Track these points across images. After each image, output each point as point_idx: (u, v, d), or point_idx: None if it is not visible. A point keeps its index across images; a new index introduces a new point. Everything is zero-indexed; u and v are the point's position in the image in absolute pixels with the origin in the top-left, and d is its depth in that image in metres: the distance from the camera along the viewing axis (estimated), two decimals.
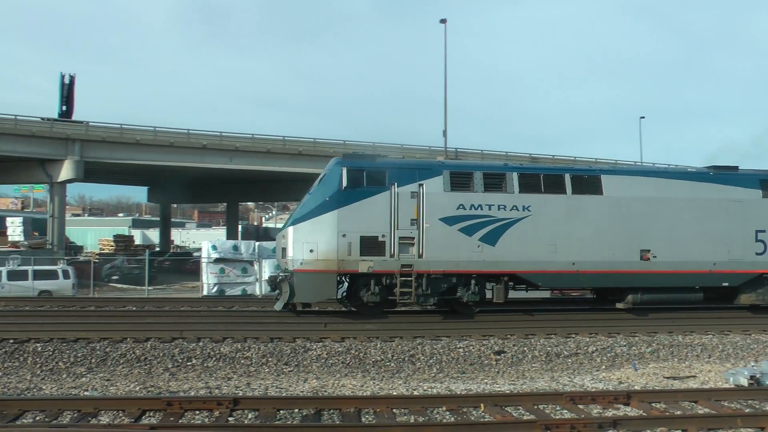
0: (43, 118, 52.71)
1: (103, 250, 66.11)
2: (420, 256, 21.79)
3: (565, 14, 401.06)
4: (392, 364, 18.04)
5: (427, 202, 21.93)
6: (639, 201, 23.48)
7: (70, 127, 51.95)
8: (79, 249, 71.20)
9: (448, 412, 12.38)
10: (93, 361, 17.45)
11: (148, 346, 18.18)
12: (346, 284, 22.59)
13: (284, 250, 22.13)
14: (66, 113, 55.83)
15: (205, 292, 35.17)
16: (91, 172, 53.81)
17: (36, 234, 62.25)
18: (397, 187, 21.88)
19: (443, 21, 52.82)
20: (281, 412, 12.32)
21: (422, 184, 22.06)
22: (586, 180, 23.45)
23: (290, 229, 22.01)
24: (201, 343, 18.48)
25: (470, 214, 22.23)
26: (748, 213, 24.18)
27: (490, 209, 22.34)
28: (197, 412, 12.28)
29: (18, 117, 50.42)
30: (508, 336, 20.47)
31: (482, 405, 12.63)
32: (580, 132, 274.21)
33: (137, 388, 15.07)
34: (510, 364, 18.55)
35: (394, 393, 14.59)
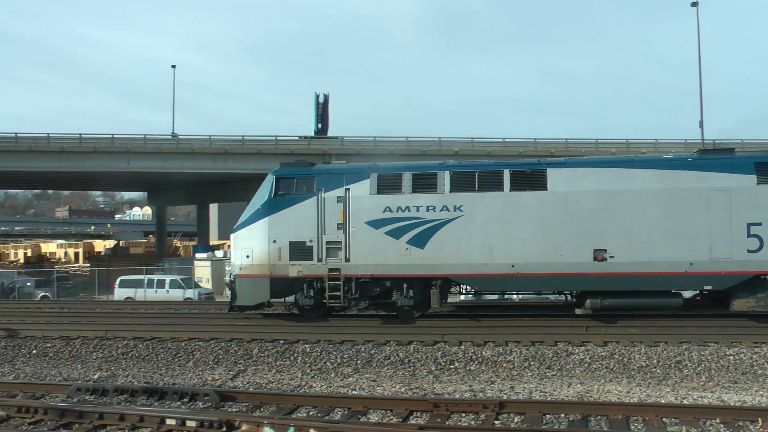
0: (300, 137, 55.63)
1: None
2: (347, 260, 21.40)
3: None
4: (658, 371, 16.90)
5: (353, 206, 21.51)
6: (592, 195, 20.57)
7: (326, 143, 54.45)
8: None
9: (722, 425, 11.45)
10: (359, 362, 17.84)
11: (411, 349, 18.31)
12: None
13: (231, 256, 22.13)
14: (321, 130, 58.61)
15: None
16: None
17: None
18: (324, 192, 21.74)
19: (694, 4, 50.00)
20: (547, 416, 12.00)
21: (348, 189, 21.69)
22: (528, 175, 21.10)
23: (232, 236, 22.78)
24: (462, 347, 18.34)
25: (397, 216, 21.24)
26: (738, 203, 19.84)
27: (417, 211, 21.15)
28: (463, 414, 12.21)
29: (278, 137, 53.61)
30: None
31: (760, 420, 11.40)
32: None
33: (402, 389, 15.21)
34: None
35: (663, 401, 13.71)
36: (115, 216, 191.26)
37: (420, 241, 21.03)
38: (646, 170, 20.54)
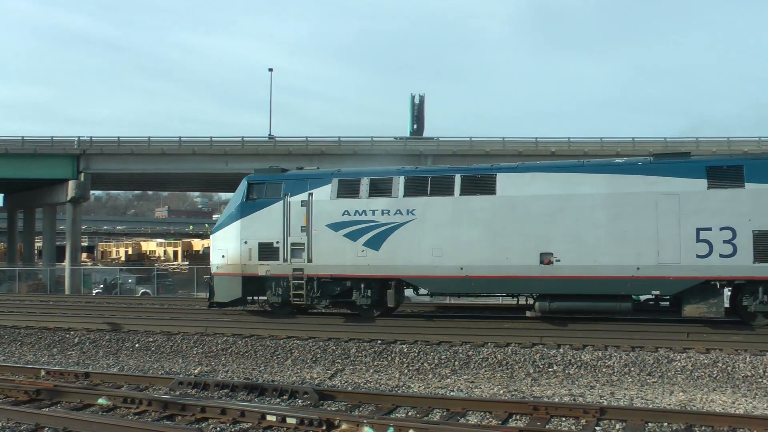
0: (396, 138, 55.75)
1: None
2: (309, 260, 22.44)
3: None
4: (765, 381, 16.18)
5: (316, 209, 22.51)
6: (539, 199, 20.45)
7: (421, 143, 54.44)
8: None
9: None
10: (456, 363, 17.73)
11: (509, 351, 18.09)
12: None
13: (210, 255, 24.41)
14: (417, 131, 58.66)
15: None
16: None
17: None
18: (290, 197, 22.87)
19: None
20: (650, 425, 11.66)
21: (312, 193, 22.72)
22: (478, 180, 21.29)
23: (211, 237, 24.33)
24: (561, 350, 18.01)
25: (354, 219, 22.05)
26: (687, 208, 19.34)
27: (373, 214, 21.87)
28: (563, 418, 12.05)
29: (374, 138, 53.87)
30: None
31: None
32: None
33: (501, 392, 15.09)
34: None
35: None
36: (213, 216, 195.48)
37: (375, 243, 21.77)
38: (595, 175, 20.44)
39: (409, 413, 12.57)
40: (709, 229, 19.04)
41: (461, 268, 20.86)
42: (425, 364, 17.83)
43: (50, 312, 26.07)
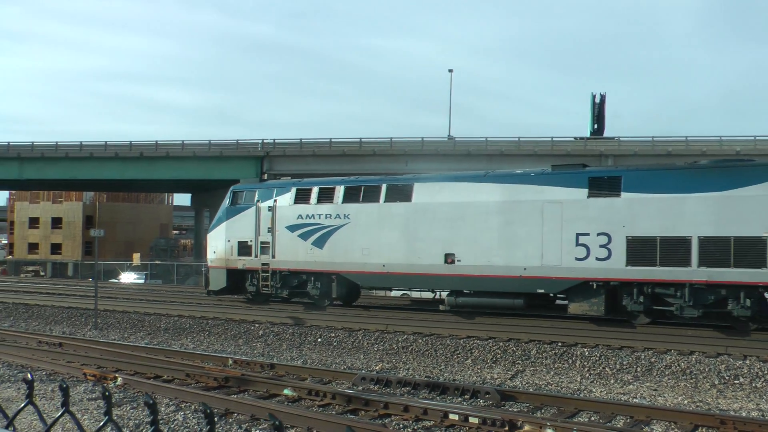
0: (576, 138, 54.81)
1: None
2: (273, 257, 26.46)
3: None
4: None
5: (279, 214, 26.42)
6: (445, 206, 23.21)
7: (602, 143, 53.27)
8: None
9: None
10: (639, 369, 17.39)
11: (693, 359, 17.49)
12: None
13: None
14: (597, 131, 57.42)
15: None
16: None
17: None
18: (261, 203, 27.05)
19: None
20: None
21: (276, 200, 26.66)
22: (399, 188, 24.42)
23: (207, 236, 29.74)
24: (748, 361, 17.21)
25: (306, 222, 25.82)
26: (569, 215, 21.16)
27: (319, 218, 25.53)
28: None
29: (554, 138, 53.20)
30: None
31: None
32: None
33: (685, 402, 14.68)
34: None
35: None
36: None
37: (321, 242, 25.43)
38: (492, 184, 22.87)
39: (592, 418, 12.53)
40: (588, 234, 20.84)
41: (384, 266, 24.10)
42: (607, 369, 17.60)
43: (234, 305, 27.54)
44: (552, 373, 17.65)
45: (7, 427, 1.68)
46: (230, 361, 18.08)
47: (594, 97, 58.54)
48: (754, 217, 18.95)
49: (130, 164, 60.68)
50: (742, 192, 19.24)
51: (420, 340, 20.72)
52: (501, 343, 19.67)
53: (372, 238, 24.40)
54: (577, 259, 20.95)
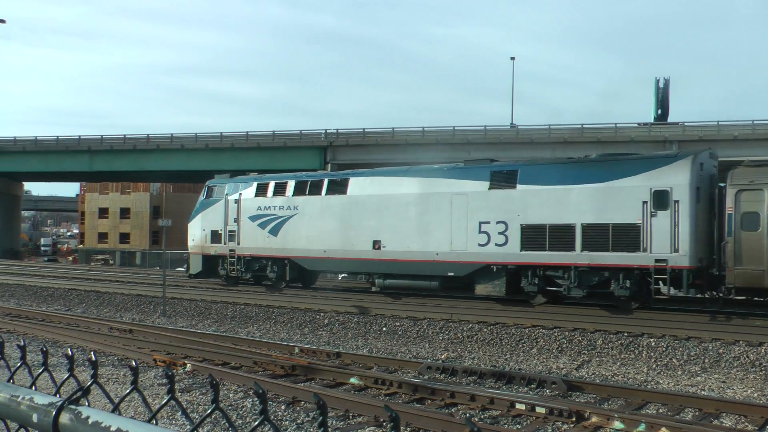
0: (640, 124, 54.05)
1: None
2: (238, 243, 30.51)
3: None
4: None
5: (243, 205, 30.48)
6: (373, 198, 26.44)
7: (666, 129, 52.42)
8: None
9: None
10: (706, 361, 17.15)
11: (762, 351, 17.19)
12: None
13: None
14: (661, 116, 56.55)
15: None
16: None
17: None
18: (229, 196, 31.09)
19: None
20: None
21: (241, 193, 30.70)
22: (338, 183, 27.90)
23: (188, 225, 33.26)
24: None
25: (264, 213, 29.61)
26: (473, 205, 23.97)
27: (274, 209, 29.31)
28: None
29: (618, 125, 52.50)
30: None
31: None
32: None
33: (755, 395, 14.44)
34: None
35: None
36: None
37: (275, 231, 29.25)
38: (412, 178, 25.87)
39: (660, 410, 12.43)
40: (489, 222, 23.55)
41: (324, 251, 27.68)
42: (674, 360, 17.40)
43: (300, 294, 27.97)
44: (618, 363, 17.52)
45: (113, 411, 1.84)
46: (297, 350, 18.33)
47: (658, 81, 57.72)
48: (629, 206, 21.18)
49: (196, 155, 61.85)
50: (618, 183, 21.53)
51: (485, 329, 20.76)
52: (566, 333, 19.60)
53: (315, 227, 28.00)
54: (479, 245, 23.77)
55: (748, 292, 21.03)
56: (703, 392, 14.57)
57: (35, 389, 2.12)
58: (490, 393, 12.78)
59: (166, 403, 1.89)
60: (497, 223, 23.37)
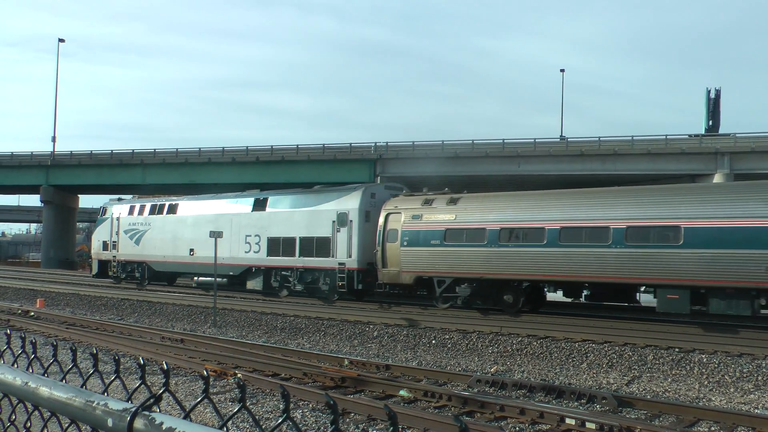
0: (690, 135, 53.39)
1: None
2: (117, 251, 41.01)
3: None
4: None
5: (121, 222, 40.88)
6: (190, 218, 36.84)
7: (717, 140, 51.69)
8: None
9: None
10: (760, 378, 16.84)
11: None
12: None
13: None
14: (712, 127, 55.82)
15: None
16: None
17: None
18: (113, 215, 41.65)
19: None
20: None
21: (120, 213, 41.26)
22: (172, 205, 38.36)
23: (92, 237, 44.97)
24: None
25: (132, 228, 40.13)
26: (242, 222, 33.87)
27: (137, 225, 39.84)
28: None
29: (668, 136, 51.92)
30: None
31: None
32: None
33: None
34: None
35: None
36: None
37: (138, 241, 39.68)
38: (212, 201, 36.61)
39: (712, 428, 12.28)
40: (251, 236, 33.30)
41: (164, 257, 38.01)
42: (726, 377, 17.13)
43: (349, 306, 28.11)
44: (669, 379, 17.30)
45: (185, 418, 1.94)
46: (346, 362, 18.46)
47: (708, 92, 56.95)
48: (325, 224, 30.39)
49: (247, 168, 62.58)
50: (320, 207, 30.93)
51: (534, 343, 20.67)
52: (617, 348, 19.41)
53: (158, 239, 38.31)
54: (245, 252, 33.57)
55: (393, 287, 28.39)
56: (756, 410, 14.35)
57: (107, 395, 2.20)
58: (540, 407, 12.76)
59: (237, 411, 2.01)
60: (255, 236, 33.17)
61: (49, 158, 69.66)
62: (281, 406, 1.90)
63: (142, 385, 2.32)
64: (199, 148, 64.50)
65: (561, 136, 57.45)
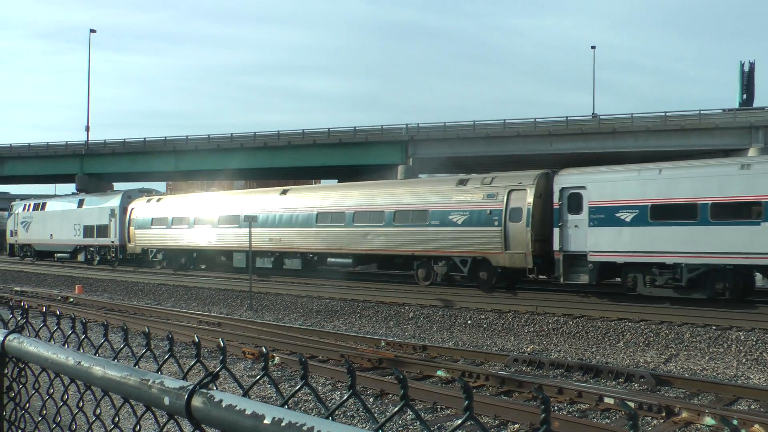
0: (724, 110, 52.74)
1: None
2: (19, 237, 55.36)
3: None
4: None
5: (20, 216, 56.10)
6: (50, 213, 51.66)
7: (752, 114, 51.00)
8: None
9: None
10: None
11: None
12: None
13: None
14: (747, 101, 55.08)
15: None
16: None
17: None
18: (15, 210, 57.07)
19: None
20: None
21: (19, 209, 56.43)
22: (44, 204, 53.34)
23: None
24: None
25: (24, 219, 54.87)
26: (72, 216, 48.66)
27: (26, 219, 53.97)
28: None
29: (702, 111, 51.33)
30: None
31: None
32: None
33: None
34: None
35: None
36: None
37: (27, 229, 54.34)
38: (61, 201, 52.89)
39: (752, 406, 12.23)
40: (77, 224, 48.60)
41: (39, 240, 51.83)
42: (764, 354, 17.02)
43: (385, 288, 28.17)
44: (707, 357, 17.23)
45: (244, 396, 1.97)
46: (383, 343, 18.56)
47: (742, 65, 56.14)
48: (106, 215, 45.78)
49: (278, 153, 62.77)
50: (102, 205, 46.68)
51: (570, 322, 20.67)
52: (653, 326, 19.36)
53: (37, 228, 52.34)
54: (74, 235, 47.78)
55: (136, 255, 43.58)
56: None
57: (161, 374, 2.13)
58: (578, 386, 12.78)
59: (300, 388, 2.05)
60: (74, 225, 48.06)
61: (83, 147, 70.38)
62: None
63: (197, 364, 2.26)
64: (231, 134, 64.71)
65: (593, 113, 56.96)
